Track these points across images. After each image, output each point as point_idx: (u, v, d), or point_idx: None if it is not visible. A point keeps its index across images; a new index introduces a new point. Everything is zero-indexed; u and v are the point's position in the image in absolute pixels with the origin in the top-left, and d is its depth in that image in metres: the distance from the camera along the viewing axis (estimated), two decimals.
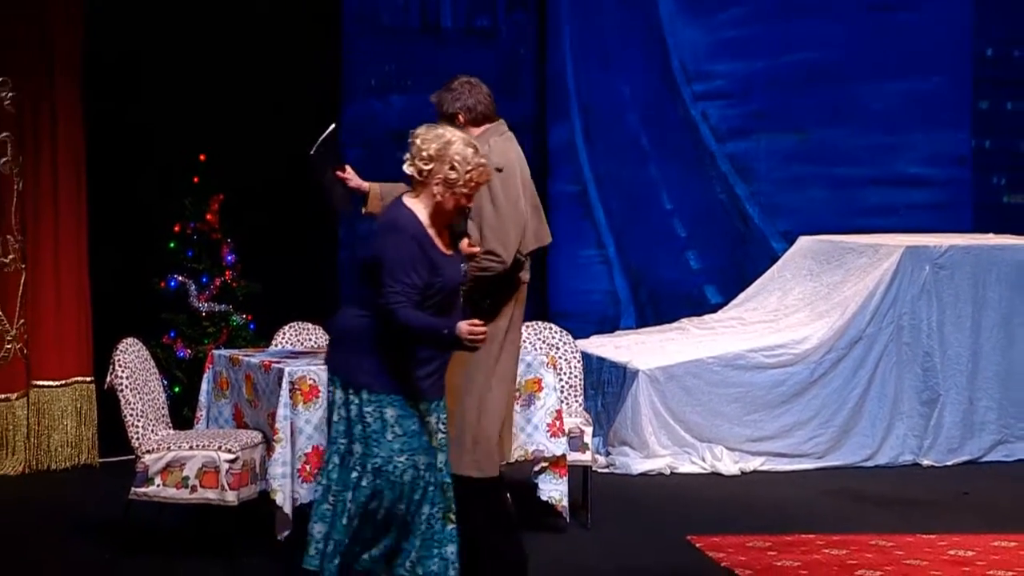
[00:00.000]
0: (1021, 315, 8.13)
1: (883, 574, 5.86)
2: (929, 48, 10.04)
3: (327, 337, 5.26)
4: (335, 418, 4.95)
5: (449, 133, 4.98)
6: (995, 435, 8.09)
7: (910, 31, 10.01)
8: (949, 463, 7.99)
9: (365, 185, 5.52)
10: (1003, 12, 10.20)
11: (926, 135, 10.13)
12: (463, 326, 4.82)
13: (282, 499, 5.88)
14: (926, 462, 7.99)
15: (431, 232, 4.92)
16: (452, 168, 4.91)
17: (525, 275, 5.41)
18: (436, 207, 4.95)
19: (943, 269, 8.06)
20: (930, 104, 10.09)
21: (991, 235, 9.02)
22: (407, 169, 5.00)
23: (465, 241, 5.17)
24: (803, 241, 8.87)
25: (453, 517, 4.95)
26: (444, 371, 5.01)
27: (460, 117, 5.43)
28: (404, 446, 4.87)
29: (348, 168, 5.55)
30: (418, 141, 4.98)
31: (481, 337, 4.85)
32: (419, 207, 4.95)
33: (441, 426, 4.99)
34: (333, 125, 5.54)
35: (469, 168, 4.92)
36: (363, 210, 5.63)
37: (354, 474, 4.88)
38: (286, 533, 5.93)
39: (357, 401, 4.90)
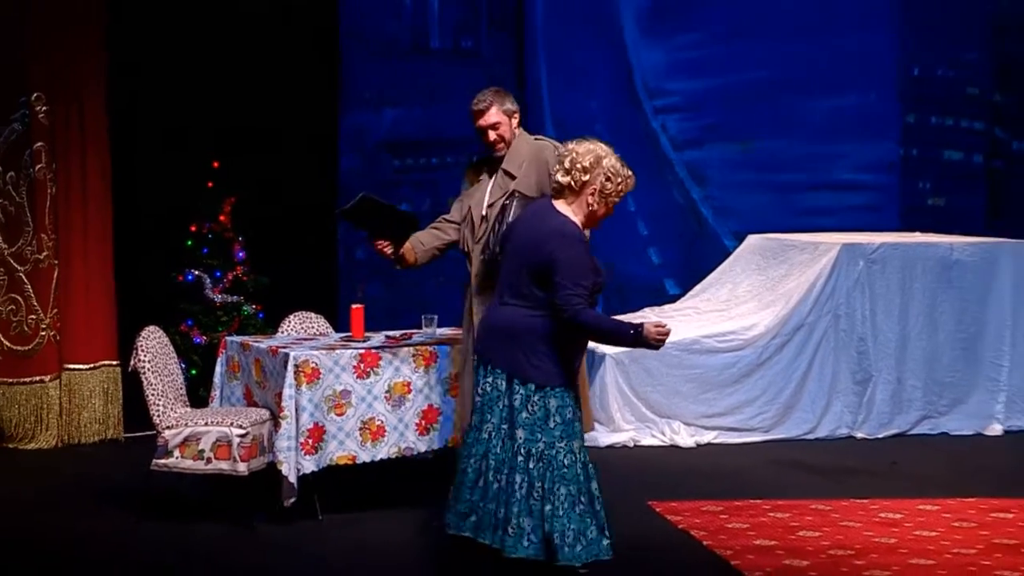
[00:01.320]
0: (943, 304, 8.12)
1: (821, 535, 5.86)
2: (862, 67, 10.05)
3: (485, 328, 5.06)
4: (494, 405, 4.91)
5: (599, 148, 4.96)
6: (921, 411, 8.09)
7: (845, 52, 10.01)
8: (880, 436, 7.98)
9: (398, 251, 5.65)
10: (927, 36, 10.21)
11: (859, 145, 10.14)
12: (650, 327, 4.79)
13: (287, 470, 5.87)
14: (859, 435, 7.99)
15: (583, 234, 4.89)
16: (608, 179, 4.89)
17: None
18: (589, 215, 4.92)
19: (875, 264, 8.05)
20: (863, 117, 10.09)
21: (917, 233, 9.02)
22: (561, 179, 4.93)
23: None
24: (751, 239, 8.87)
25: (584, 500, 4.91)
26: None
27: (517, 115, 5.63)
28: (563, 432, 4.86)
29: (380, 242, 5.62)
30: (573, 155, 4.93)
31: (667, 336, 4.83)
32: (573, 214, 4.91)
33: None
34: (362, 193, 5.55)
35: (620, 179, 4.91)
36: (396, 267, 5.70)
37: (519, 458, 4.85)
38: (292, 500, 5.90)
39: (523, 392, 4.87)
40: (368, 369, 6.05)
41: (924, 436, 8.00)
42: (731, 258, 8.89)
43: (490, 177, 5.70)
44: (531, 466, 4.85)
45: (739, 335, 7.88)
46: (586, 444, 7.76)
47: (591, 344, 7.95)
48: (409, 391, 6.13)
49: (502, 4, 9.79)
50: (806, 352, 7.94)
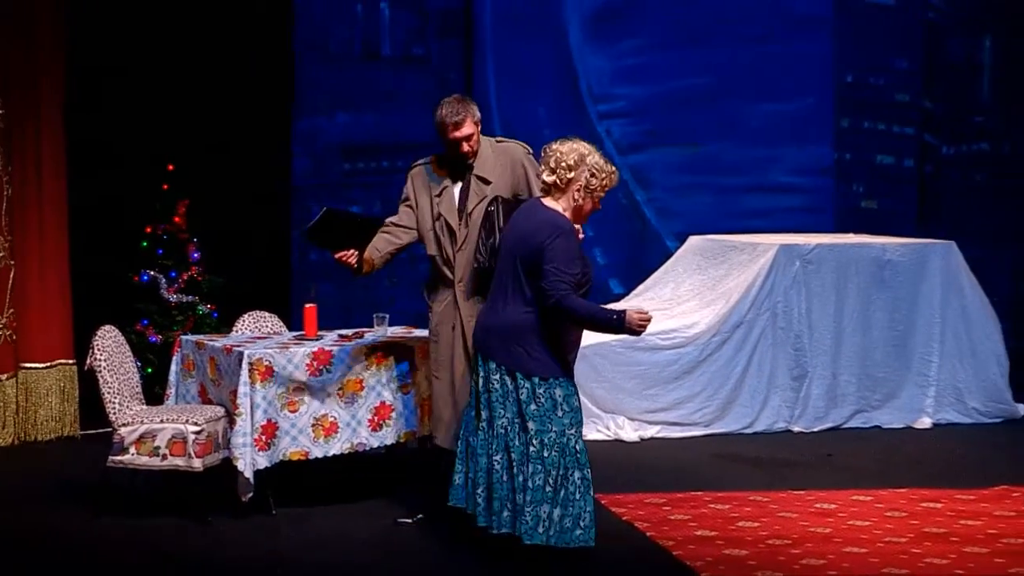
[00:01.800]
0: (876, 303, 8.19)
1: (760, 525, 5.90)
2: (798, 74, 10.13)
3: (484, 329, 5.16)
4: (504, 400, 4.98)
5: (581, 146, 5.04)
6: (854, 405, 8.15)
7: (781, 59, 10.08)
8: (816, 429, 8.04)
9: (357, 260, 5.63)
10: (860, 44, 10.31)
11: (796, 149, 10.21)
12: (632, 313, 4.87)
13: (243, 465, 5.85)
14: (796, 429, 8.05)
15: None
16: (592, 175, 4.97)
17: None
18: (576, 209, 5.01)
19: (811, 264, 8.11)
20: (799, 122, 10.16)
21: (851, 235, 9.09)
22: (548, 178, 5.03)
23: None
24: (692, 240, 8.91)
25: (584, 485, 5.02)
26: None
27: (478, 124, 5.63)
28: (572, 420, 4.97)
29: (344, 253, 5.59)
30: (558, 154, 5.00)
31: (648, 323, 4.91)
32: (563, 210, 4.99)
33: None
34: (325, 208, 5.54)
35: (604, 175, 5.00)
36: (358, 276, 5.70)
37: (533, 448, 4.93)
38: (249, 495, 5.88)
39: (528, 386, 4.94)
40: (321, 367, 6.03)
41: (858, 429, 8.07)
42: (673, 258, 8.93)
43: (454, 182, 5.68)
44: (546, 455, 4.95)
45: (681, 333, 7.92)
46: None
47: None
48: (361, 388, 6.12)
49: (452, 12, 9.79)
50: (745, 349, 7.99)
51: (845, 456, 7.37)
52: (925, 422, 8.19)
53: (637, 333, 4.97)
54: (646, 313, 4.91)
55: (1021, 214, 10.45)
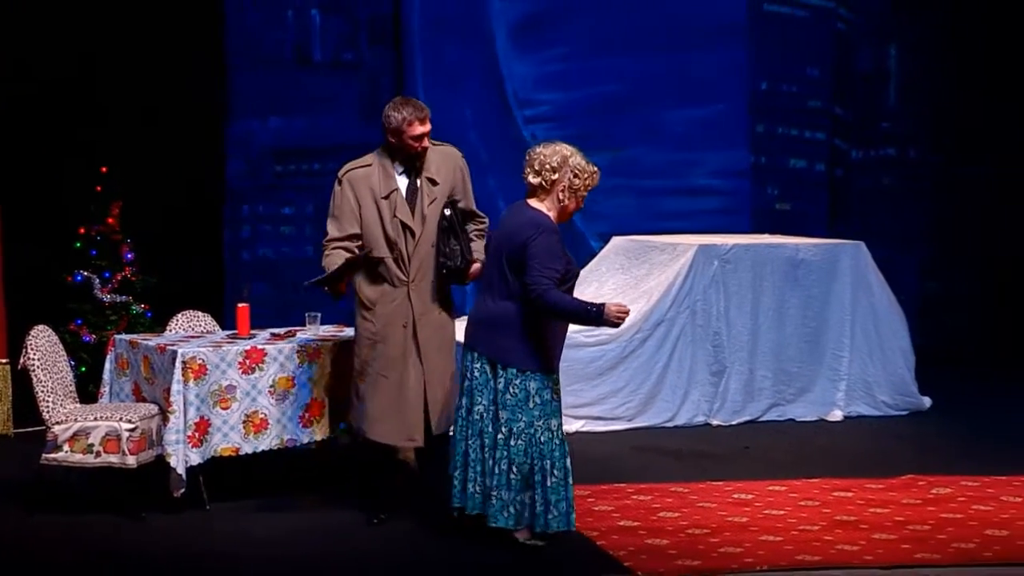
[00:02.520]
0: (790, 301, 8.24)
1: (680, 515, 5.92)
2: (715, 81, 10.19)
3: (471, 322, 5.27)
4: (483, 388, 5.11)
5: (564, 148, 5.14)
6: (770, 399, 8.21)
7: (699, 67, 10.14)
8: (734, 423, 8.08)
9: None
10: (773, 53, 10.41)
11: (713, 153, 10.27)
12: (611, 306, 4.97)
13: (176, 462, 5.77)
14: (715, 422, 8.09)
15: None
16: (575, 176, 5.08)
17: None
18: (561, 210, 5.13)
19: (728, 264, 8.15)
20: (716, 127, 10.23)
21: (766, 235, 9.14)
22: (532, 180, 5.15)
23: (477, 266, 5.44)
24: (615, 241, 8.92)
25: (559, 473, 5.13)
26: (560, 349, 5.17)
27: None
28: (541, 412, 5.11)
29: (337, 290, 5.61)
30: (541, 157, 5.10)
31: (626, 315, 5.02)
32: (547, 210, 5.09)
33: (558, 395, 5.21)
34: (316, 281, 5.59)
35: (587, 175, 5.10)
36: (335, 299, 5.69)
37: (500, 435, 5.05)
38: (181, 491, 5.80)
39: (505, 376, 5.05)
40: (253, 365, 5.97)
41: (773, 422, 8.12)
42: (597, 258, 8.93)
43: (400, 184, 5.61)
44: (512, 443, 5.07)
45: (604, 330, 7.92)
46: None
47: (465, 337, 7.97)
48: (293, 386, 6.05)
49: (381, 18, 9.73)
50: (666, 346, 8.01)
51: (761, 448, 7.42)
52: (836, 415, 8.27)
53: (616, 325, 5.08)
54: (624, 306, 5.04)
55: (927, 216, 10.62)
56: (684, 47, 10.13)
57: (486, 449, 5.12)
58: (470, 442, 5.19)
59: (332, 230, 5.66)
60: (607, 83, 9.99)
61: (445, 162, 5.68)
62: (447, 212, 5.58)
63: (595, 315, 5.02)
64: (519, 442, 5.09)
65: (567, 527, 5.20)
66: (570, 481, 5.20)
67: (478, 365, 5.16)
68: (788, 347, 8.22)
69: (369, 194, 5.62)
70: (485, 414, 5.15)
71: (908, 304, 8.99)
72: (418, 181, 5.65)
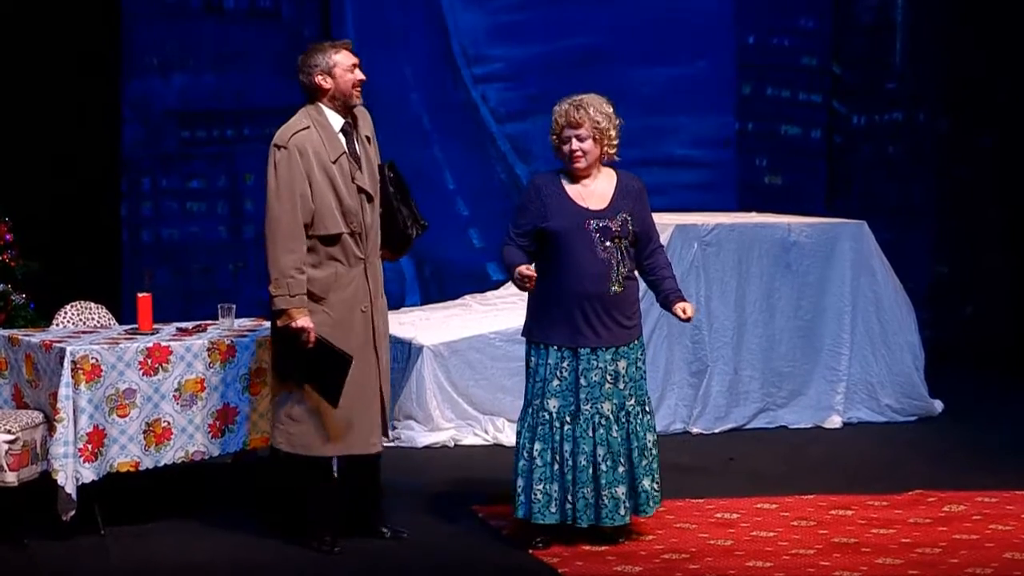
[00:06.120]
0: (780, 289, 8.31)
1: (654, 538, 5.96)
2: (694, 34, 10.23)
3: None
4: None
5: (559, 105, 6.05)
6: (758, 403, 8.27)
7: (676, 18, 10.17)
8: (716, 431, 8.14)
9: None
10: (762, 1, 10.45)
11: (692, 118, 10.31)
12: (521, 268, 5.54)
13: (64, 479, 5.74)
14: (695, 430, 8.14)
15: (564, 183, 5.82)
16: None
17: None
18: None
19: (710, 246, 8.19)
20: (696, 88, 10.27)
21: (754, 213, 9.20)
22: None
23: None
24: None
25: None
26: (579, 320, 5.72)
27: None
28: (531, 390, 5.89)
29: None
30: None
31: (526, 283, 5.53)
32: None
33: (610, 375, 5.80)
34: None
35: (558, 114, 6.06)
36: None
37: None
38: (71, 513, 5.78)
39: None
40: (156, 365, 5.96)
41: (762, 430, 8.19)
42: None
43: (340, 144, 5.63)
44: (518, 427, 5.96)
45: None
46: (402, 444, 7.87)
47: (409, 335, 7.98)
48: (202, 389, 6.05)
49: None
50: None
51: (748, 460, 7.48)
52: (835, 421, 8.35)
53: (519, 287, 5.61)
54: (529, 270, 5.51)
55: (938, 190, 10.70)
56: None
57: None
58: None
59: (285, 216, 5.51)
60: (570, 36, 10.01)
61: (365, 119, 5.81)
62: (389, 173, 5.73)
63: (508, 272, 5.67)
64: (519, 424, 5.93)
65: (524, 517, 5.78)
66: (527, 470, 5.84)
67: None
68: (779, 343, 8.29)
69: (317, 162, 5.58)
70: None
71: (916, 293, 9.10)
72: (355, 141, 5.67)
